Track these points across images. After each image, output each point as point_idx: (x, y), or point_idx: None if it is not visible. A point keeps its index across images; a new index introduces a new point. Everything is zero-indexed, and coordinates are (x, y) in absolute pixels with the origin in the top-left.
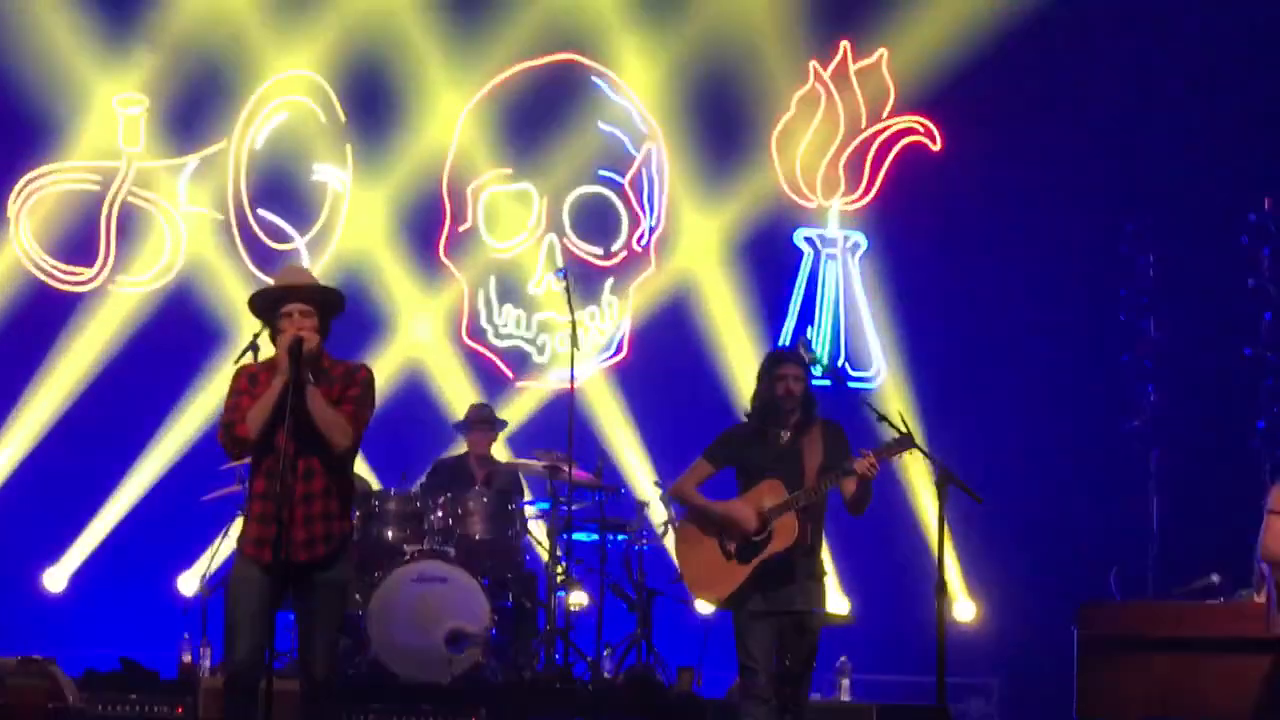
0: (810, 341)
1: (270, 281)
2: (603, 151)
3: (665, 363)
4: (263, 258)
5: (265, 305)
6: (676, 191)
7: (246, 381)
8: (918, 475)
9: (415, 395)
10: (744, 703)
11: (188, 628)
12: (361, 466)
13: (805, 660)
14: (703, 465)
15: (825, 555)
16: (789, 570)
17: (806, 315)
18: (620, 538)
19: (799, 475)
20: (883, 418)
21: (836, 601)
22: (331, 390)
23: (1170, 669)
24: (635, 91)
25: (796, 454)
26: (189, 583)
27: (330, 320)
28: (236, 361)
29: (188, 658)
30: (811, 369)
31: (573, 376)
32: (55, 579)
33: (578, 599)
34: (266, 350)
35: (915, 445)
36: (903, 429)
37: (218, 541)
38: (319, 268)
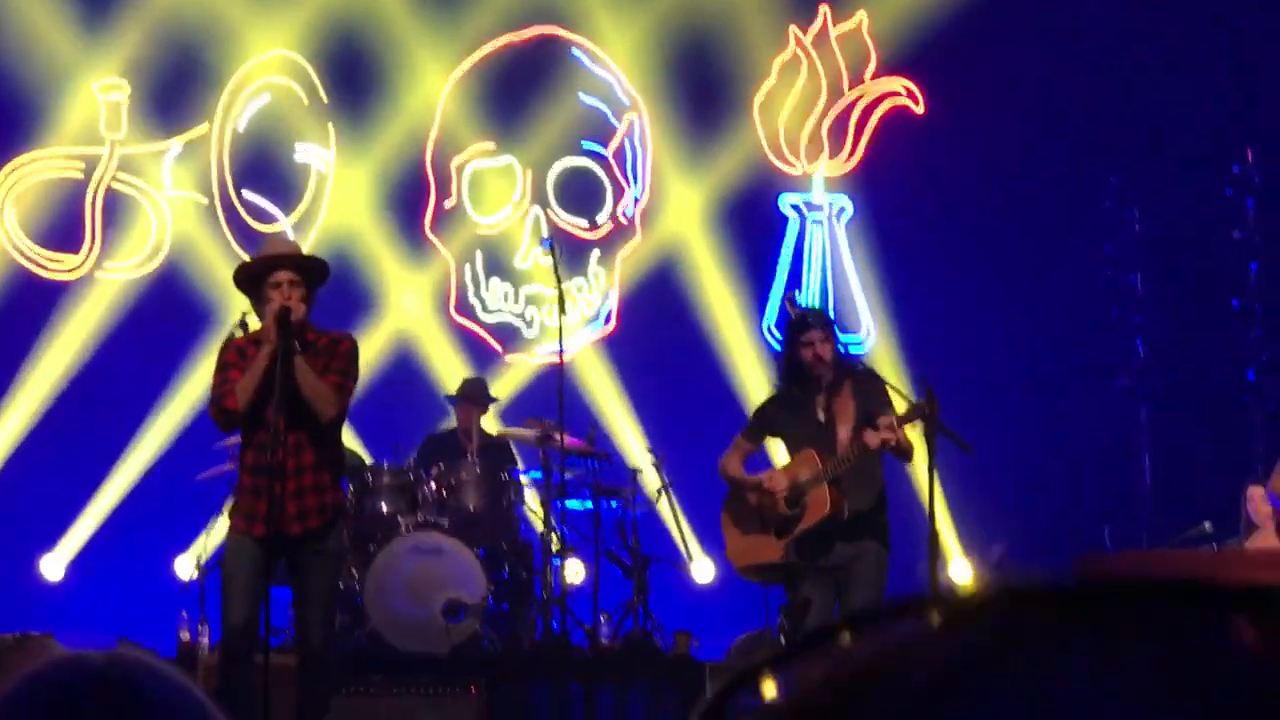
0: (797, 299)
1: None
2: (585, 123)
3: (654, 332)
4: (249, 239)
5: (250, 279)
6: (660, 161)
7: (235, 355)
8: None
9: (405, 370)
10: None
11: (185, 606)
12: (353, 440)
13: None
14: (741, 443)
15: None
16: (827, 542)
17: (794, 280)
18: (614, 504)
19: (833, 443)
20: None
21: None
22: (316, 361)
23: None
24: (615, 62)
25: (830, 421)
26: (185, 565)
27: (315, 290)
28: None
29: (186, 635)
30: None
31: (561, 346)
32: (52, 566)
33: (573, 571)
34: (254, 327)
35: (927, 414)
36: (913, 400)
37: (212, 522)
38: (305, 248)
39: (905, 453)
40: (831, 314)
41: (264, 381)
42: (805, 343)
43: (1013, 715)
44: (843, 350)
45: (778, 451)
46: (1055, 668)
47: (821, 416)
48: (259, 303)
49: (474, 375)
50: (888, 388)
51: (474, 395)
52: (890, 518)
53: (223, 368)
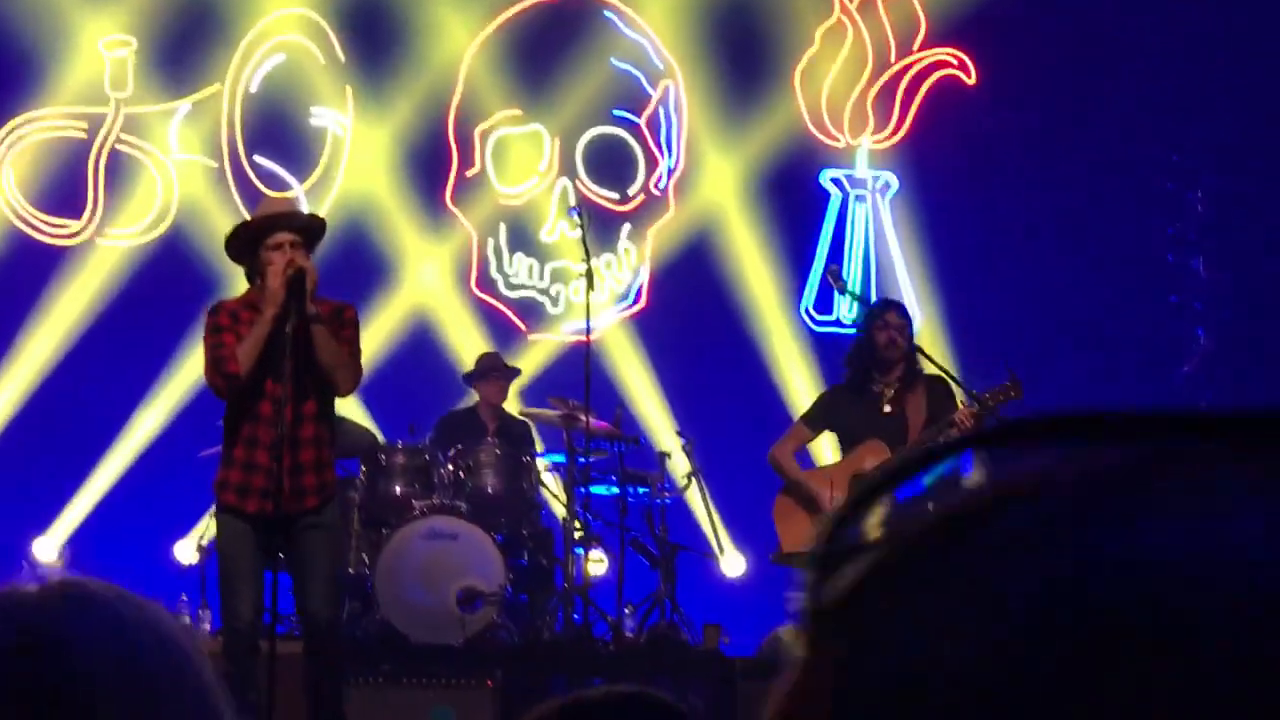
0: (841, 271)
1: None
2: (617, 90)
3: (686, 310)
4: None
5: (244, 243)
6: (696, 131)
7: (227, 318)
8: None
9: (423, 347)
10: None
11: (185, 590)
12: (366, 419)
13: None
14: (800, 430)
15: None
16: None
17: (835, 259)
18: (641, 491)
19: (903, 436)
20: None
21: None
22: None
23: None
24: (650, 24)
25: (900, 414)
26: (185, 548)
27: (313, 253)
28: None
29: (186, 621)
30: (842, 297)
31: (588, 324)
32: (45, 548)
33: (597, 561)
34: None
35: (1015, 398)
36: (1011, 379)
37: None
38: (320, 214)
39: None
40: (874, 294)
41: (266, 348)
42: (882, 325)
43: (1164, 546)
44: (917, 351)
45: (820, 443)
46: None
47: (889, 409)
48: (253, 267)
49: (491, 350)
50: (954, 394)
51: (493, 369)
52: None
53: (215, 330)
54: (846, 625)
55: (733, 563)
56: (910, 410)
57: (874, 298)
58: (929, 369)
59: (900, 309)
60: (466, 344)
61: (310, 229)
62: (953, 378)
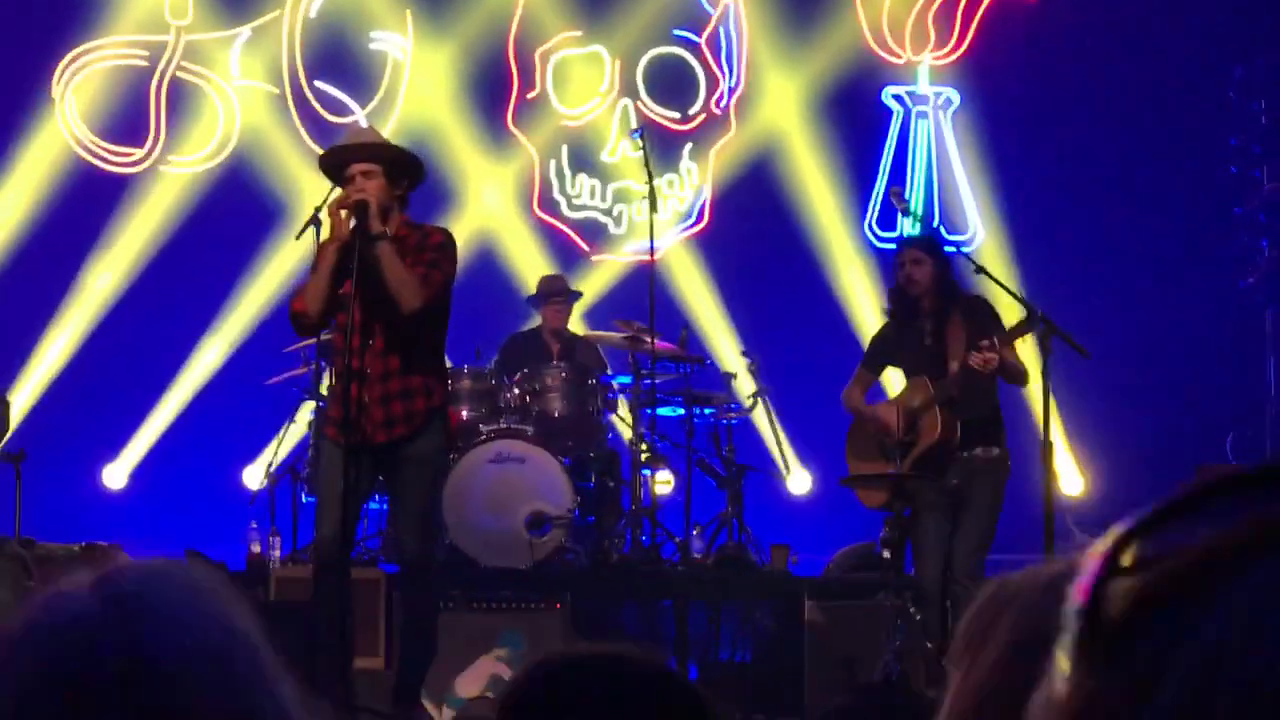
0: (903, 192)
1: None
2: (677, 9)
3: (749, 229)
4: (321, 131)
5: (334, 175)
6: (756, 49)
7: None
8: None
9: (486, 270)
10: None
11: (255, 517)
12: None
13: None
14: (862, 374)
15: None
16: (941, 463)
17: (897, 176)
18: (707, 411)
19: (943, 367)
20: (993, 279)
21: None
22: (405, 259)
23: None
24: None
25: (940, 346)
26: (254, 475)
27: (406, 185)
28: (296, 238)
29: (256, 548)
30: (904, 219)
31: (652, 244)
32: (115, 475)
33: (664, 482)
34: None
35: (1038, 325)
36: (1024, 305)
37: (284, 429)
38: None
39: (1015, 375)
40: (937, 212)
41: (334, 280)
42: (899, 262)
43: None
44: (951, 275)
45: (892, 381)
46: None
47: (929, 340)
48: None
49: (553, 273)
50: (996, 312)
51: (555, 293)
52: (1004, 426)
53: (312, 268)
54: (1143, 640)
55: (799, 481)
56: (950, 339)
57: (936, 217)
58: (986, 290)
59: (915, 241)
60: (530, 266)
61: (384, 159)
62: (1011, 293)
